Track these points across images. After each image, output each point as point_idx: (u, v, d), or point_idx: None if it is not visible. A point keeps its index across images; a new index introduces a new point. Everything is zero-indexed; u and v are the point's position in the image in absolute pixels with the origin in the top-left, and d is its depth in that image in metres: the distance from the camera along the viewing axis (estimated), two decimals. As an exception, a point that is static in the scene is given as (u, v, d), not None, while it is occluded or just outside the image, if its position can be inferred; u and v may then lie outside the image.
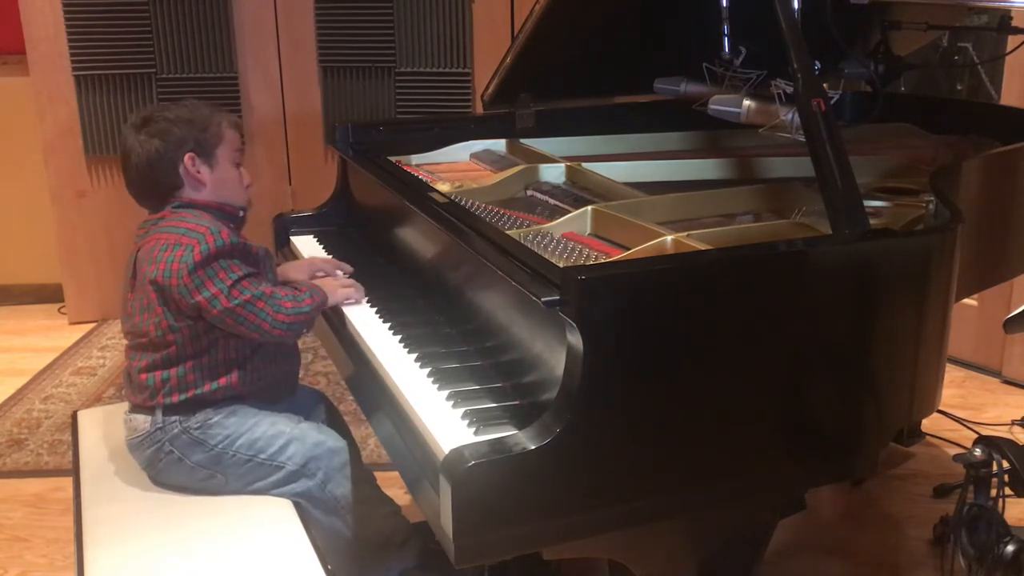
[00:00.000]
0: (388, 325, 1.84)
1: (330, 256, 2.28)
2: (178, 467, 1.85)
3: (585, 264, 1.66)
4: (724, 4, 2.18)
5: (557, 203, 2.09)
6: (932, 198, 1.74)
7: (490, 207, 2.02)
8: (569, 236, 1.84)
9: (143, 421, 1.86)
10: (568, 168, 2.25)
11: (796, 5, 1.76)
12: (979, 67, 3.89)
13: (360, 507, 1.98)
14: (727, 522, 1.55)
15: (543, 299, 1.36)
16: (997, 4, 2.31)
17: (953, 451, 2.80)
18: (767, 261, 1.50)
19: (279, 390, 1.97)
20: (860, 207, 1.58)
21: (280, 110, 4.09)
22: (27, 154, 4.07)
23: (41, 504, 2.74)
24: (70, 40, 3.81)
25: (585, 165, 2.23)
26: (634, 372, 1.36)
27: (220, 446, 1.84)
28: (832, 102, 1.66)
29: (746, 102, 2.04)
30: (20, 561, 2.47)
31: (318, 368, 3.55)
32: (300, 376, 2.07)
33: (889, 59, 2.38)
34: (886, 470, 2.80)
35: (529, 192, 2.21)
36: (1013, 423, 3.06)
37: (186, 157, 1.84)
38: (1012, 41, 2.36)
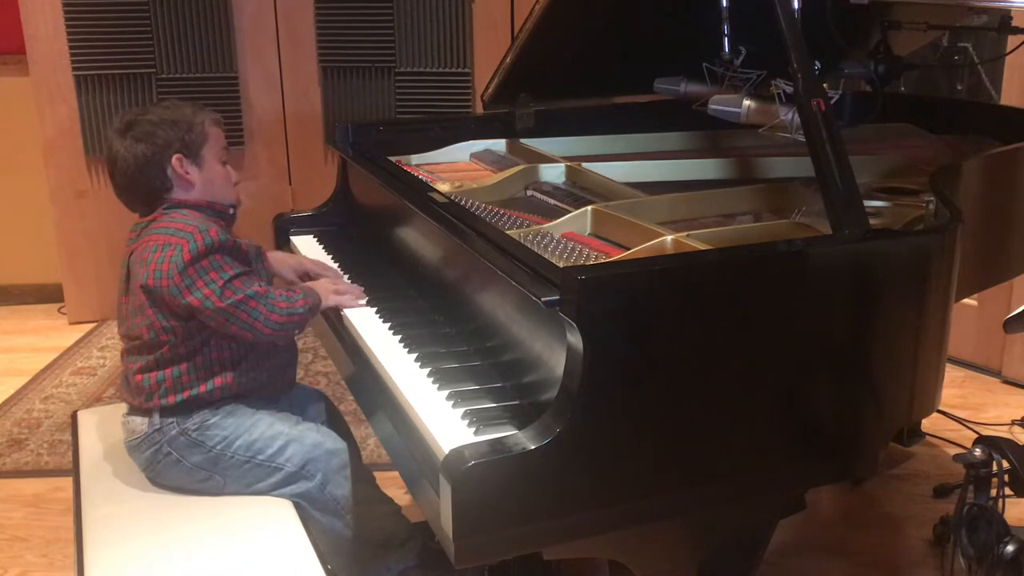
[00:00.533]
0: (388, 325, 1.84)
1: (330, 256, 2.28)
2: (176, 468, 1.85)
3: (585, 264, 1.66)
4: (724, 4, 2.17)
5: (557, 203, 2.09)
6: (932, 198, 1.74)
7: (490, 207, 2.02)
8: (569, 236, 1.84)
9: (141, 423, 1.86)
10: (568, 168, 2.25)
11: (796, 5, 1.76)
12: (979, 67, 3.89)
13: (360, 507, 1.98)
14: (727, 522, 1.55)
15: (543, 299, 1.36)
16: (997, 4, 2.31)
17: (953, 451, 2.80)
18: (767, 261, 1.50)
19: (277, 385, 1.97)
20: (860, 207, 1.58)
21: (280, 110, 4.08)
22: (27, 154, 4.06)
23: (41, 504, 2.73)
24: (70, 40, 3.81)
25: (585, 165, 2.23)
26: (634, 372, 1.36)
27: (218, 448, 1.84)
28: (832, 102, 1.66)
29: (746, 102, 2.04)
30: (20, 561, 2.47)
31: (318, 368, 3.55)
32: (300, 376, 2.07)
33: (889, 59, 2.38)
34: (886, 470, 2.80)
35: (529, 192, 2.21)
36: (1013, 423, 3.06)
37: (174, 159, 1.83)
38: (1012, 41, 2.36)
